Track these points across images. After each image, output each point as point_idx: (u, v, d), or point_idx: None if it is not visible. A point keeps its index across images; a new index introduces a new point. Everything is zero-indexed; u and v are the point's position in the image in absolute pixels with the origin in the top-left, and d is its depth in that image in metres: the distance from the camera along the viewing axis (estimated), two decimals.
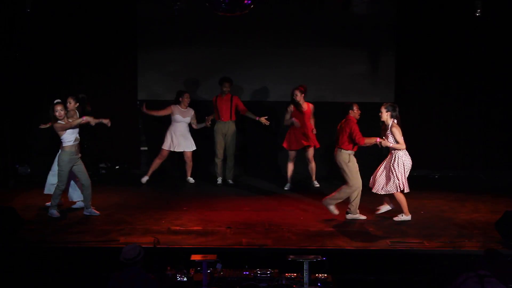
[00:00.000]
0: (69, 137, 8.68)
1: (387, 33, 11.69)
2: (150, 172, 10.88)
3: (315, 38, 11.62)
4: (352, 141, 8.54)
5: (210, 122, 10.89)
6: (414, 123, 11.93)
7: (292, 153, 10.53)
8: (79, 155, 8.87)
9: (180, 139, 10.73)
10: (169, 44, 11.70)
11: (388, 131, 8.63)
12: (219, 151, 10.91)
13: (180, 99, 10.71)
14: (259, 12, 10.21)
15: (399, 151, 8.56)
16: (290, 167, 10.54)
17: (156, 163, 10.84)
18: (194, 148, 10.84)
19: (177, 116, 10.69)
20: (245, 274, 6.33)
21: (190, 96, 10.89)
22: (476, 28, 11.21)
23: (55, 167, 9.09)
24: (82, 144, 11.27)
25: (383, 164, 8.76)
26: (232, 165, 10.99)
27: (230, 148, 10.89)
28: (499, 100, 11.75)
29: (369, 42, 11.73)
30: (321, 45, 11.66)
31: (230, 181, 10.98)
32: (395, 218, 8.68)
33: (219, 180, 10.99)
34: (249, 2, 8.80)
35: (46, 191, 9.28)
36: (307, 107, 10.43)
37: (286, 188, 10.54)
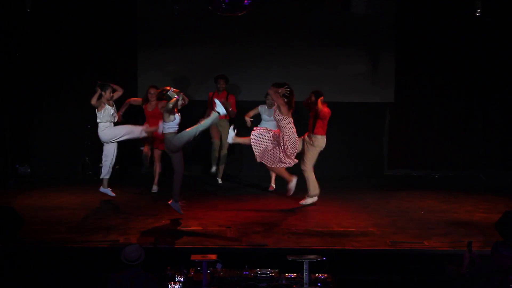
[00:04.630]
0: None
1: (387, 33, 11.69)
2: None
3: (315, 38, 11.63)
4: None
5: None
6: (414, 123, 11.97)
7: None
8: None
9: None
10: (169, 44, 11.71)
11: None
12: (216, 141, 10.85)
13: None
14: (259, 12, 10.24)
15: None
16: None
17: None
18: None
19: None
20: (245, 274, 6.33)
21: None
22: (476, 28, 11.21)
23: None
24: (83, 144, 11.35)
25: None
26: (224, 164, 10.95)
27: (224, 147, 10.88)
28: (499, 100, 11.76)
29: (369, 42, 11.73)
30: (321, 45, 11.66)
31: (220, 181, 10.95)
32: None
33: (213, 169, 10.94)
34: (249, 2, 8.81)
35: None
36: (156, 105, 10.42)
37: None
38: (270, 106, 10.13)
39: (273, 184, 10.51)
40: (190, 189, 10.78)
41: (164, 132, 8.52)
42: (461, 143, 11.90)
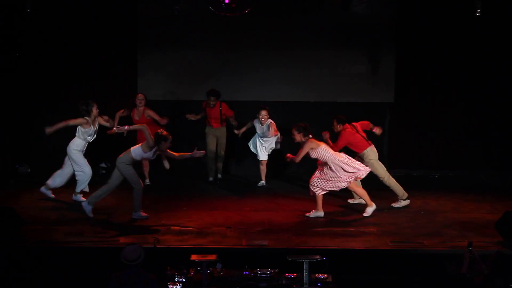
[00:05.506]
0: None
1: (387, 33, 11.68)
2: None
3: (315, 38, 11.62)
4: None
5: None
6: (414, 123, 11.96)
7: None
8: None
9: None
10: (169, 45, 11.70)
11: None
12: (211, 151, 10.97)
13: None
14: (258, 13, 10.23)
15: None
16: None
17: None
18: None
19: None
20: (245, 274, 6.33)
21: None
22: (476, 28, 11.21)
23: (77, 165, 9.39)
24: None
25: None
26: (221, 163, 11.17)
27: (221, 148, 11.02)
28: (499, 100, 11.76)
29: (369, 42, 11.72)
30: (321, 46, 11.65)
31: (219, 175, 11.19)
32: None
33: (211, 178, 11.11)
34: (249, 2, 8.82)
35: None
36: (142, 113, 10.51)
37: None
38: (262, 122, 10.53)
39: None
40: (190, 189, 10.79)
41: (132, 153, 8.52)
42: (461, 143, 11.89)
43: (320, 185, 8.80)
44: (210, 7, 9.02)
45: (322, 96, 11.66)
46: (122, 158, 8.57)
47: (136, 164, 8.82)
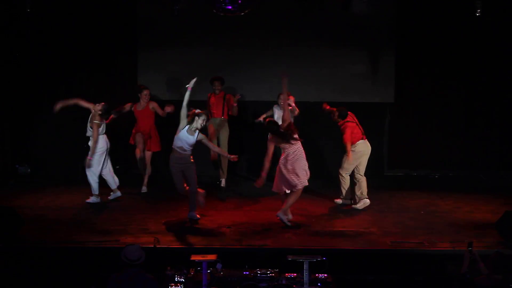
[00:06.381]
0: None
1: (387, 33, 11.68)
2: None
3: (315, 38, 11.61)
4: None
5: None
6: (414, 123, 11.97)
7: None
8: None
9: None
10: (169, 44, 11.69)
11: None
12: (213, 141, 10.59)
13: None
14: (259, 12, 10.23)
15: None
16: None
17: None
18: None
19: None
20: (245, 274, 6.33)
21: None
22: (476, 28, 11.21)
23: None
24: (83, 145, 11.32)
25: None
26: (226, 168, 10.75)
27: (223, 147, 10.64)
28: (499, 100, 11.76)
29: (369, 42, 11.72)
30: (321, 45, 11.65)
31: (223, 183, 10.76)
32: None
33: (223, 183, 10.80)
34: (249, 2, 8.82)
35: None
36: (146, 105, 10.30)
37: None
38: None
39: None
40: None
41: (177, 142, 8.43)
42: (461, 143, 11.89)
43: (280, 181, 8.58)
44: (210, 7, 9.03)
45: (322, 96, 11.63)
46: (170, 159, 8.51)
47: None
